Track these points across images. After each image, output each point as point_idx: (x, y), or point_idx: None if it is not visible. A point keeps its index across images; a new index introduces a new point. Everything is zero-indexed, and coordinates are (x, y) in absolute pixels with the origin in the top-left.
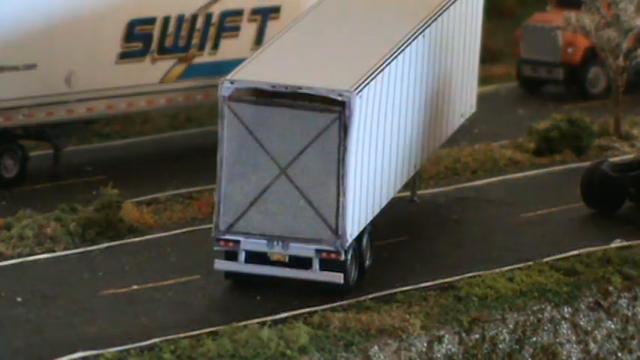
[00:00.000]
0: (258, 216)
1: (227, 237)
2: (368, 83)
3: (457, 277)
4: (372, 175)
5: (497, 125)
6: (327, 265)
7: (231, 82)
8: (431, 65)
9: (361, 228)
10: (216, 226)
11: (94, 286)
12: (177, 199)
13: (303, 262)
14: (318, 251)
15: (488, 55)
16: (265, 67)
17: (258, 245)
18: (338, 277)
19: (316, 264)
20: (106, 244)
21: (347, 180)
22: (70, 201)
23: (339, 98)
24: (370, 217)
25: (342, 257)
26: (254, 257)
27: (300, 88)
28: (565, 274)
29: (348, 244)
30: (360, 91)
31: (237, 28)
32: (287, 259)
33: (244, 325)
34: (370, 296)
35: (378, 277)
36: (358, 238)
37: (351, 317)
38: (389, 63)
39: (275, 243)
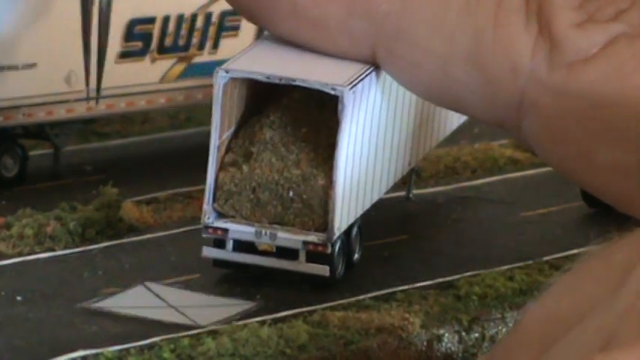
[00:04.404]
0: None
1: (215, 225)
2: (362, 79)
3: (457, 276)
4: (363, 170)
5: None
6: (313, 257)
7: (226, 72)
8: None
9: (350, 222)
10: (205, 213)
11: (94, 285)
12: (177, 199)
13: (290, 253)
14: (304, 243)
15: None
16: (261, 58)
17: (246, 234)
18: (324, 270)
19: (302, 256)
20: (105, 243)
21: (337, 174)
22: (70, 200)
23: (332, 92)
24: (360, 212)
25: (329, 250)
26: (242, 246)
27: (294, 80)
28: None
29: (335, 238)
30: (354, 86)
31: (237, 28)
32: (274, 250)
33: (244, 323)
34: (370, 295)
35: (377, 275)
36: (347, 231)
37: (351, 316)
38: None
39: (263, 233)
